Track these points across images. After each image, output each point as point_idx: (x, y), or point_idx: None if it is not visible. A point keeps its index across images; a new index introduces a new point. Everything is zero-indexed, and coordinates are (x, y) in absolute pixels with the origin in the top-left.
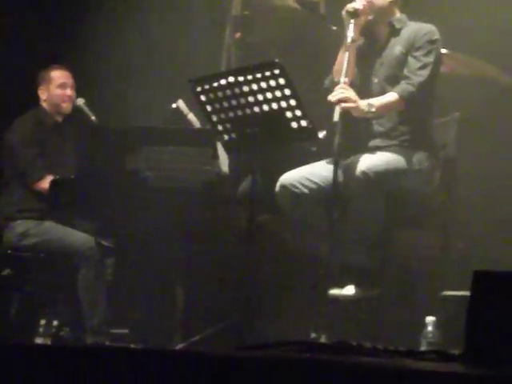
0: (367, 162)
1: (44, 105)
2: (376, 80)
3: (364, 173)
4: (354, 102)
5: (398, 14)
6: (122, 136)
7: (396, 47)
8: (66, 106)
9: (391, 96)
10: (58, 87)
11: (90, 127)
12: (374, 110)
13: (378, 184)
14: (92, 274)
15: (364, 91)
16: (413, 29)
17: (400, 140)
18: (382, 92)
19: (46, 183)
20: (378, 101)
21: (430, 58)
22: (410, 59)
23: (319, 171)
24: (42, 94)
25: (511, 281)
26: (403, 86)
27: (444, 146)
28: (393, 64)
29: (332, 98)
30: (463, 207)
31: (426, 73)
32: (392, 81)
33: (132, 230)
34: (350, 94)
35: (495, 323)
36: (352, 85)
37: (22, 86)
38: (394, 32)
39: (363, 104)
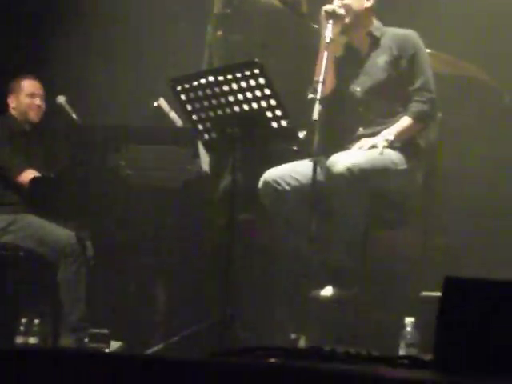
0: (352, 158)
1: (13, 112)
2: (359, 89)
3: (349, 169)
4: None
5: (374, 22)
6: (104, 134)
7: (380, 57)
8: (34, 115)
9: (405, 121)
10: (27, 96)
11: (70, 125)
12: (392, 139)
13: (362, 182)
14: (71, 271)
15: (347, 99)
16: (394, 36)
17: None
18: (366, 101)
19: (27, 176)
20: (394, 129)
21: (427, 68)
22: (407, 72)
23: (302, 169)
24: (12, 103)
25: (482, 287)
26: (415, 106)
27: (426, 146)
28: (378, 74)
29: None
30: (444, 208)
31: (431, 86)
32: (376, 90)
33: (112, 228)
34: (368, 142)
35: (464, 330)
36: (334, 92)
37: None
38: (375, 42)
39: (381, 142)
